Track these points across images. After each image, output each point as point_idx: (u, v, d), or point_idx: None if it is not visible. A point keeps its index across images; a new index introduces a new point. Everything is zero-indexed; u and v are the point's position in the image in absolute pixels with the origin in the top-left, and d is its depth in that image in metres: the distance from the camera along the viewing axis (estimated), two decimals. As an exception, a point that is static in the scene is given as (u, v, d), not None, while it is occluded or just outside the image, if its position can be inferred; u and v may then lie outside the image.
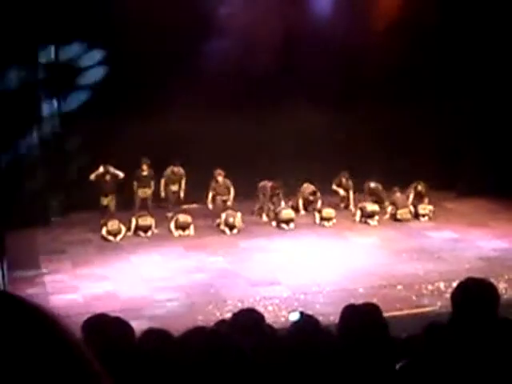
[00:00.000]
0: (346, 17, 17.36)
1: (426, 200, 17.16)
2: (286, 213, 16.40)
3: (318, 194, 17.06)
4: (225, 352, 2.25)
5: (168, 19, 15.69)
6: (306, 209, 17.12)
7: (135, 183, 16.51)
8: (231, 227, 16.11)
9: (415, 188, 17.27)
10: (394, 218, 16.70)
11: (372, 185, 17.38)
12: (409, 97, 17.95)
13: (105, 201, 16.28)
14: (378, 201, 17.06)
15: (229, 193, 16.68)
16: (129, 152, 16.22)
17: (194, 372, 2.22)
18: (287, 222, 16.31)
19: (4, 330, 0.94)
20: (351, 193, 17.34)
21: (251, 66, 16.69)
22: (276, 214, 16.50)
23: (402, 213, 16.65)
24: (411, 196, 17.20)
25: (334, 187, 17.34)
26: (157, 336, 3.73)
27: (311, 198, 17.14)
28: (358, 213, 16.66)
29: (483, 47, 17.53)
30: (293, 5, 17.22)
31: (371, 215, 16.50)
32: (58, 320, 1.01)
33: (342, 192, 17.37)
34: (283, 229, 16.20)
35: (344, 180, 17.29)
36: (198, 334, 2.38)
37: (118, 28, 15.75)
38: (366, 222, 16.49)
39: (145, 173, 16.45)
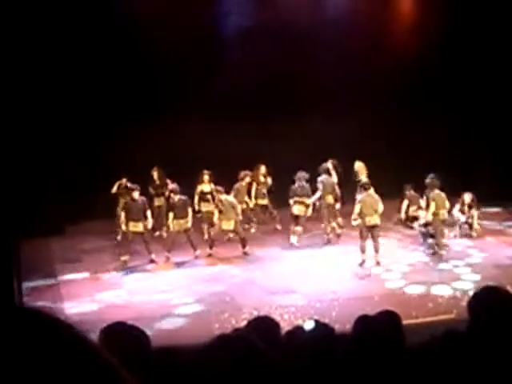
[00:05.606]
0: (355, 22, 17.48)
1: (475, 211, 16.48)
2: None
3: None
4: (251, 359, 2.25)
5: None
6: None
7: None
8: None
9: (462, 199, 16.64)
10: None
11: (412, 192, 16.79)
12: (418, 107, 17.96)
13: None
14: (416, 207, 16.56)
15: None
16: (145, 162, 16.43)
17: (220, 380, 2.21)
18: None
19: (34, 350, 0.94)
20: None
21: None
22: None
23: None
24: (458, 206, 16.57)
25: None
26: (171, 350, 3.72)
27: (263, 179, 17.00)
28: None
29: (494, 55, 17.55)
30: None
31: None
32: (78, 331, 1.01)
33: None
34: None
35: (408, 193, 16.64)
36: (224, 341, 2.37)
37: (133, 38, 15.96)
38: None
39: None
